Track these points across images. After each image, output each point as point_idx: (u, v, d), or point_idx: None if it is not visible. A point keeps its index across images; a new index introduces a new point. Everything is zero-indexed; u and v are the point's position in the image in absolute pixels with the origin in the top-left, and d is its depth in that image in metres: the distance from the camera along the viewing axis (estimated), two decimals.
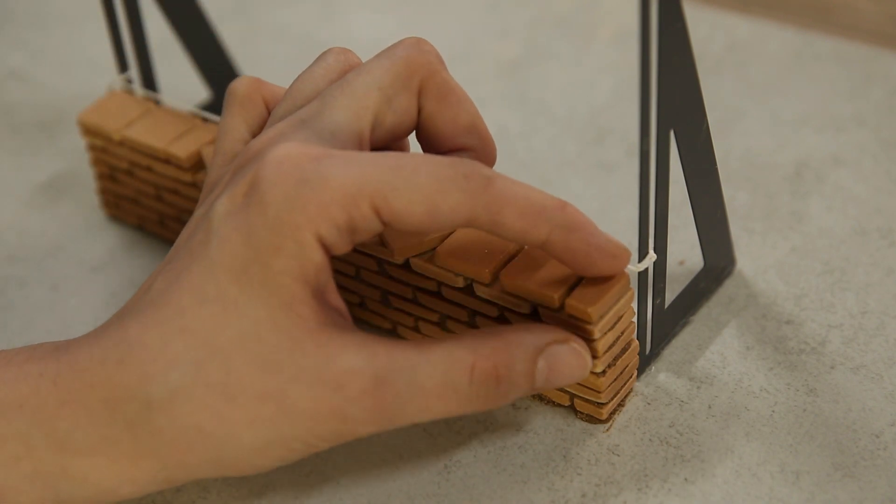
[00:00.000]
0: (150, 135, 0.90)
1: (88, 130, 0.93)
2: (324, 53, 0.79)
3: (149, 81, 0.96)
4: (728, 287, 0.86)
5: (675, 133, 0.75)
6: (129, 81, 0.95)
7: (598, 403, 0.77)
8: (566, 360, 0.71)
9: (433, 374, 0.68)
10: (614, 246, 0.71)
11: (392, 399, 0.67)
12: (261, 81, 0.78)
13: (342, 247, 0.68)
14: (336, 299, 0.70)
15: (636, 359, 0.78)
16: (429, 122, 0.75)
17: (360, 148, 0.72)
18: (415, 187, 0.66)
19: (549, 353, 0.71)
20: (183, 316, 0.67)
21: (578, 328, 0.74)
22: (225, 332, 0.66)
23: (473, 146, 0.77)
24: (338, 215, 0.66)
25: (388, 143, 0.76)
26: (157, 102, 0.94)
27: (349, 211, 0.66)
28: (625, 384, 0.78)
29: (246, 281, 0.66)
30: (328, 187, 0.66)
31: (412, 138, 0.78)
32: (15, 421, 0.67)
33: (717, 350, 0.82)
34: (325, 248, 0.67)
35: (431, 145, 0.77)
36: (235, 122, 0.77)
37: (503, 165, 0.98)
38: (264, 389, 0.66)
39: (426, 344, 0.69)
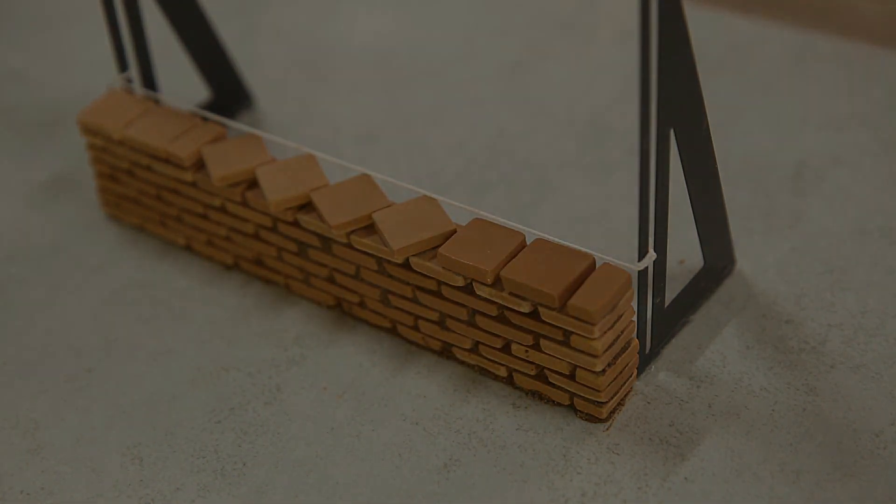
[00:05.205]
0: (151, 134, 0.90)
1: (88, 130, 0.93)
2: None
3: (149, 81, 0.96)
4: (728, 287, 0.86)
5: (675, 132, 0.75)
6: (129, 81, 0.95)
7: (597, 402, 0.77)
8: None
9: None
10: None
11: None
12: None
13: None
14: None
15: (636, 358, 0.78)
16: None
17: None
18: None
19: None
20: None
21: (578, 327, 0.74)
22: None
23: None
24: None
25: None
26: (156, 102, 0.94)
27: None
28: (625, 383, 0.78)
29: None
30: None
31: None
32: None
33: (717, 349, 0.82)
34: None
35: None
36: None
37: (503, 166, 0.98)
38: None
39: None
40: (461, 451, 0.77)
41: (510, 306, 0.76)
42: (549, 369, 0.78)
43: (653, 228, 0.76)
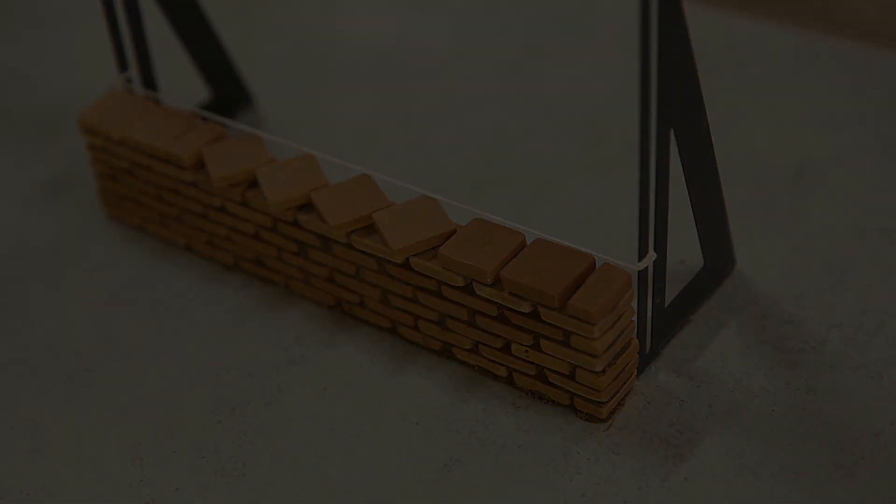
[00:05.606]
0: (151, 134, 0.90)
1: (88, 130, 0.93)
2: None
3: (149, 81, 0.96)
4: (728, 287, 0.86)
5: (674, 132, 0.75)
6: (129, 81, 0.95)
7: (597, 402, 0.77)
8: None
9: None
10: None
11: None
12: None
13: None
14: None
15: (636, 358, 0.78)
16: None
17: None
18: None
19: None
20: None
21: (578, 327, 0.74)
22: None
23: None
24: None
25: None
26: (156, 102, 0.94)
27: None
28: (625, 383, 0.78)
29: None
30: None
31: None
32: None
33: (717, 349, 0.82)
34: None
35: None
36: None
37: (503, 166, 0.98)
38: None
39: None
40: (461, 451, 0.77)
41: (510, 306, 0.76)
42: (549, 369, 0.78)
43: (653, 228, 0.76)
